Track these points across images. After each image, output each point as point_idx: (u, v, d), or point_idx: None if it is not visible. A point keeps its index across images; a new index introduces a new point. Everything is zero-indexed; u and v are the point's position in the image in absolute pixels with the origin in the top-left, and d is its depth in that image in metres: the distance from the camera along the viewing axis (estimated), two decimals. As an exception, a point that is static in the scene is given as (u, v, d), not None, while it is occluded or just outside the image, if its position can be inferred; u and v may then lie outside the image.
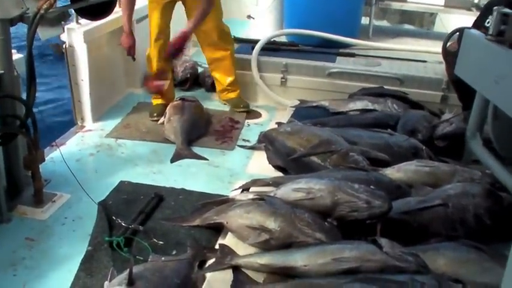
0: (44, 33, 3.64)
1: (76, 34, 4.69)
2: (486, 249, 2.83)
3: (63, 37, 4.69)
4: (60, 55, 5.03)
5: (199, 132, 4.84)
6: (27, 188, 3.73)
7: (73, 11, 4.14)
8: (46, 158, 3.87)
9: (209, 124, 5.05)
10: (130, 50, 5.02)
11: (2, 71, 3.35)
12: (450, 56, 4.40)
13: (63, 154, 3.96)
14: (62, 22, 3.95)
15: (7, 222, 3.45)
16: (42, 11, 3.25)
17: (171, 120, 4.78)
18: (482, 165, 3.59)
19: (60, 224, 3.48)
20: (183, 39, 4.81)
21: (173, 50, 4.81)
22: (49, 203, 3.65)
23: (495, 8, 2.95)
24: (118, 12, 5.01)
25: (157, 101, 5.22)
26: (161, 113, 5.12)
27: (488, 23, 3.97)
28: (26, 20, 3.31)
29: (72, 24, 4.71)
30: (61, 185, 3.87)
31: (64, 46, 4.76)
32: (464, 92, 4.08)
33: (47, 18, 3.41)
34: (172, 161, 4.37)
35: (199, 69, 6.09)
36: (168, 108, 4.97)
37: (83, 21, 4.70)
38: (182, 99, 5.06)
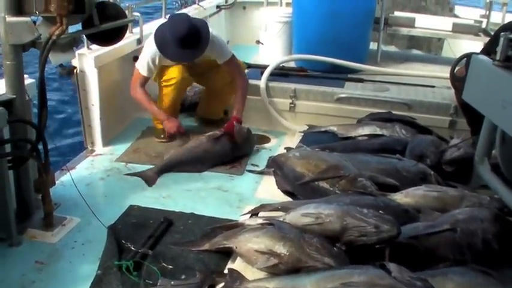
0: (55, 59, 3.66)
1: (87, 59, 4.73)
2: (494, 274, 2.82)
3: (74, 62, 4.73)
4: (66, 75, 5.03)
5: (188, 169, 4.70)
6: (37, 212, 3.74)
7: (84, 36, 4.18)
8: (56, 182, 3.88)
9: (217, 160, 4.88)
10: (180, 130, 5.05)
11: (14, 96, 3.38)
12: (458, 82, 4.42)
13: (73, 178, 3.98)
14: (74, 47, 3.99)
15: (17, 246, 3.45)
16: (54, 37, 3.28)
17: (180, 147, 4.86)
18: (490, 190, 3.60)
19: (70, 248, 3.49)
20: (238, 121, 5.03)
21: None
22: (59, 227, 3.66)
23: (502, 33, 2.98)
24: (128, 37, 5.07)
25: (161, 125, 5.23)
26: (167, 136, 5.18)
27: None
28: (38, 45, 3.33)
29: (83, 50, 4.75)
30: (71, 208, 3.88)
31: (75, 71, 4.80)
32: (473, 117, 4.09)
33: (58, 44, 3.44)
34: (149, 185, 4.39)
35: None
36: (196, 137, 4.97)
37: (93, 46, 4.74)
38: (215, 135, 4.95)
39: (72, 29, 3.56)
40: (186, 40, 4.64)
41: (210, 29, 4.88)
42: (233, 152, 4.89)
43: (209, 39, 4.80)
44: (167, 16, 6.28)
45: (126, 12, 4.23)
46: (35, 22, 3.32)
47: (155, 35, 4.80)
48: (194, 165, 4.70)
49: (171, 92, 5.05)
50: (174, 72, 4.98)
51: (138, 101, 5.01)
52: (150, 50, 4.85)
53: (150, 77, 4.99)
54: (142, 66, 4.91)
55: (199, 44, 4.76)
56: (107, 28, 3.79)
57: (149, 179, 4.45)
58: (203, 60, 5.11)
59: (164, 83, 5.03)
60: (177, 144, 5.03)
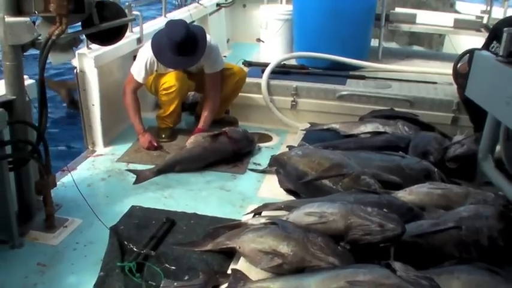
0: (55, 59, 3.65)
1: (87, 59, 4.71)
2: (501, 272, 2.79)
3: (74, 62, 4.70)
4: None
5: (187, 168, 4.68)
6: (38, 213, 3.73)
7: (84, 36, 4.16)
8: (57, 183, 3.87)
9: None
10: (153, 143, 4.98)
11: (14, 97, 3.36)
12: (461, 78, 4.40)
13: (74, 179, 3.97)
14: (73, 47, 3.97)
15: (19, 248, 3.44)
16: (53, 37, 3.26)
17: (181, 149, 4.82)
18: (494, 186, 3.57)
19: (72, 249, 3.47)
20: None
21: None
22: (61, 228, 3.65)
23: (506, 29, 2.96)
24: (129, 36, 5.04)
25: (164, 125, 5.23)
26: (169, 135, 5.20)
27: (492, 47, 3.98)
28: (37, 45, 3.32)
29: (83, 49, 4.73)
30: (72, 210, 3.87)
31: (75, 72, 4.78)
32: (476, 114, 4.06)
33: (58, 44, 3.43)
34: (136, 182, 4.39)
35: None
36: (192, 136, 4.92)
37: (93, 46, 4.71)
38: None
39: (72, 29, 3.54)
40: (183, 47, 4.63)
41: (209, 37, 4.89)
42: (232, 151, 4.86)
43: (205, 47, 4.78)
44: (168, 15, 6.26)
45: (126, 11, 4.19)
46: (34, 22, 3.30)
47: (152, 41, 4.78)
48: (192, 164, 4.68)
49: (173, 100, 5.00)
50: (172, 80, 4.90)
51: (125, 106, 5.00)
52: (146, 56, 4.83)
53: (143, 83, 4.97)
54: (137, 72, 4.90)
55: (196, 51, 4.74)
56: (106, 27, 3.77)
57: (142, 178, 4.44)
58: (199, 70, 5.13)
59: (164, 91, 4.96)
60: (178, 144, 5.01)
